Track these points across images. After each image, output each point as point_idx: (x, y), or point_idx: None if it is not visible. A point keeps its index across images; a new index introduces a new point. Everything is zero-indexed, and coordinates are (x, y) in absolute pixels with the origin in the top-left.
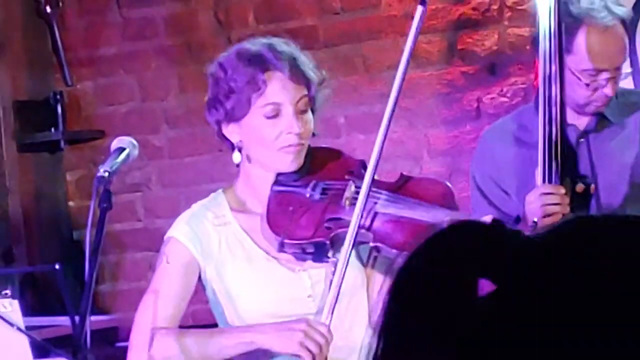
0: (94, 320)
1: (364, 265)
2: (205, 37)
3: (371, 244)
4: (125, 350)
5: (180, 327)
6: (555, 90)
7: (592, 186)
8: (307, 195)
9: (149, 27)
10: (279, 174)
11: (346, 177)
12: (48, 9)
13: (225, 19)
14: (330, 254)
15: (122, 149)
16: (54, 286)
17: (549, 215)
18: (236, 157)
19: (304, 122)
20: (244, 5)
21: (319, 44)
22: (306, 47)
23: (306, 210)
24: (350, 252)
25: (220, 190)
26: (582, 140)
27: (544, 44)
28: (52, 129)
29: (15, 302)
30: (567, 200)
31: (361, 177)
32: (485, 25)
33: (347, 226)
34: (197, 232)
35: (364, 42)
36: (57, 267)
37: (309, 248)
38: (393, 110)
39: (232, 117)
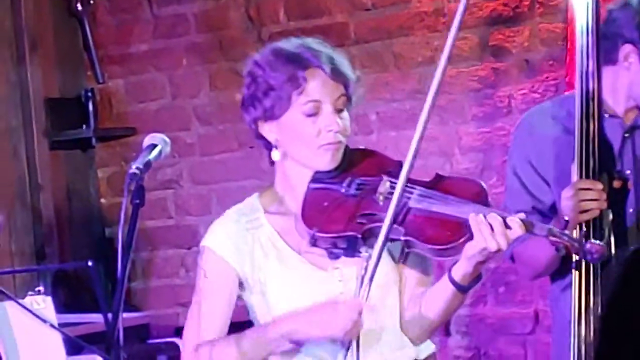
0: (126, 317)
1: (396, 262)
2: (236, 34)
3: (402, 239)
4: (156, 346)
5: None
6: (592, 85)
7: (630, 182)
8: (342, 190)
9: (180, 24)
10: (316, 172)
11: (383, 176)
12: (79, 7)
13: (256, 15)
14: (362, 249)
15: (154, 146)
16: (86, 283)
17: (585, 211)
18: (275, 155)
19: (342, 120)
20: (275, 2)
21: (349, 41)
22: (337, 43)
23: (340, 205)
24: (384, 245)
25: (255, 195)
26: (627, 135)
27: (581, 40)
28: (84, 126)
29: (49, 299)
30: (604, 196)
31: (397, 177)
32: (517, 22)
33: (380, 221)
34: (231, 238)
35: (394, 39)
36: (90, 263)
37: (341, 243)
38: (432, 107)
39: (271, 115)
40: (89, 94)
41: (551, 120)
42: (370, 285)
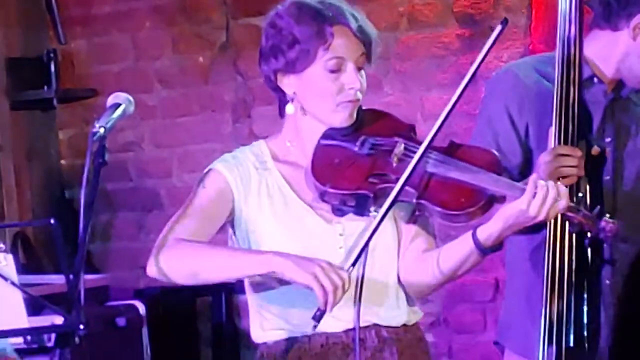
0: (85, 279)
1: (403, 222)
2: None
3: (414, 201)
4: (115, 309)
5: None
6: (573, 50)
7: (608, 150)
8: (355, 149)
9: None
10: (327, 129)
11: (395, 137)
12: None
13: None
14: (372, 209)
15: (118, 105)
16: (45, 245)
17: (563, 177)
18: (290, 108)
19: (362, 78)
20: None
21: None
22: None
23: (352, 163)
24: (390, 207)
25: (261, 140)
26: (610, 104)
27: (563, 4)
28: (45, 87)
29: (10, 257)
30: (582, 163)
31: (409, 139)
32: None
33: (392, 182)
34: (238, 167)
35: (358, 3)
36: (52, 221)
37: (350, 201)
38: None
39: (293, 68)
40: (51, 54)
41: (535, 74)
42: (360, 258)
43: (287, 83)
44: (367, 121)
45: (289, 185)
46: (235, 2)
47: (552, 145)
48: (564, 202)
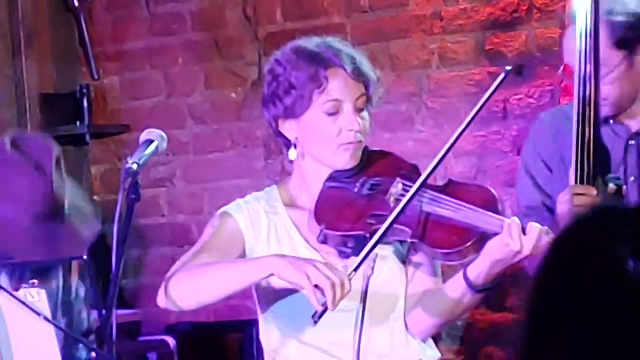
0: (118, 314)
1: (405, 263)
2: (233, 33)
3: (409, 240)
4: (147, 344)
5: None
6: (590, 90)
7: (625, 187)
8: (355, 190)
9: (177, 23)
10: (333, 172)
11: (397, 178)
12: (76, 3)
13: (253, 15)
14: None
15: (151, 141)
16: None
17: None
18: (292, 154)
19: (362, 120)
20: (272, 1)
21: (346, 43)
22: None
23: (351, 204)
24: (378, 241)
25: (274, 186)
26: (632, 142)
27: (580, 44)
28: (78, 123)
29: (43, 292)
30: (598, 202)
31: (411, 180)
32: (514, 27)
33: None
34: (250, 213)
35: (391, 41)
36: (85, 257)
37: (350, 242)
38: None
39: (292, 113)
40: (84, 90)
41: (566, 122)
42: (367, 283)
43: (289, 128)
44: (371, 162)
45: (297, 230)
46: (268, 39)
47: (571, 184)
48: (547, 238)
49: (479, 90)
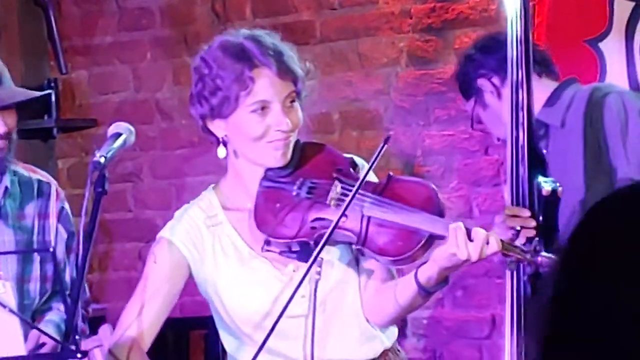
0: None
1: (356, 263)
2: (202, 29)
3: (354, 247)
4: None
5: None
6: (522, 95)
7: (560, 189)
8: (294, 193)
9: (145, 17)
10: (267, 169)
11: (334, 175)
12: None
13: (222, 11)
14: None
15: (119, 134)
16: None
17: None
18: (221, 151)
19: (291, 117)
20: None
21: (315, 39)
22: (303, 42)
23: (292, 209)
24: (319, 253)
25: (211, 187)
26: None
27: (511, 50)
28: (45, 117)
29: (8, 284)
30: (531, 223)
31: (349, 176)
32: (483, 25)
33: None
34: (190, 233)
35: (360, 39)
36: (51, 249)
37: (295, 246)
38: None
39: (219, 113)
40: (52, 84)
41: None
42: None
43: (216, 126)
44: (305, 157)
45: (240, 237)
46: None
47: (507, 203)
48: (494, 242)
49: (447, 89)
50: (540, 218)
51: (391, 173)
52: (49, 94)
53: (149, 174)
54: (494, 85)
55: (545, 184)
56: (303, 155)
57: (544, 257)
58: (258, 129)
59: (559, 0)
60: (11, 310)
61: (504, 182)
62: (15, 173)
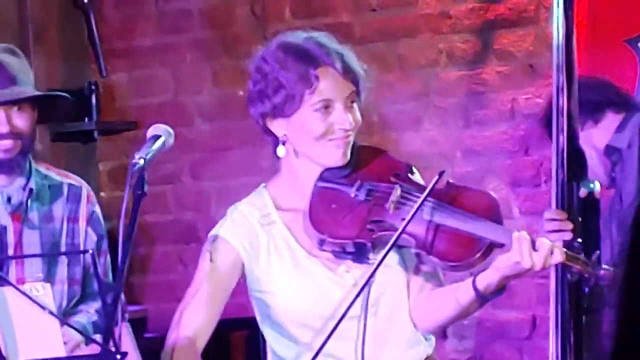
0: None
1: (406, 267)
2: (241, 31)
3: (413, 250)
4: (153, 340)
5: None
6: (562, 100)
7: (597, 192)
8: (352, 195)
9: (185, 20)
10: (324, 170)
11: (392, 179)
12: (85, 0)
13: (262, 13)
14: (371, 256)
15: (157, 137)
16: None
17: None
18: (281, 151)
19: (352, 116)
20: (281, 0)
21: (354, 41)
22: (341, 43)
23: (350, 210)
24: (385, 256)
25: (262, 186)
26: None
27: (556, 55)
28: (86, 119)
29: (48, 286)
30: (568, 225)
31: (407, 181)
32: (522, 26)
33: (390, 229)
34: (245, 232)
35: (399, 40)
36: (90, 252)
37: (350, 247)
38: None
39: (281, 112)
40: (92, 87)
41: None
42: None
43: (277, 126)
44: (362, 161)
45: (293, 237)
46: (275, 36)
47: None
48: (559, 253)
49: (486, 90)
50: (580, 220)
51: (446, 173)
52: (60, 96)
53: (189, 176)
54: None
55: (583, 187)
56: (360, 158)
57: (605, 269)
58: (321, 127)
59: (599, 0)
60: (51, 312)
61: (544, 183)
62: (46, 177)
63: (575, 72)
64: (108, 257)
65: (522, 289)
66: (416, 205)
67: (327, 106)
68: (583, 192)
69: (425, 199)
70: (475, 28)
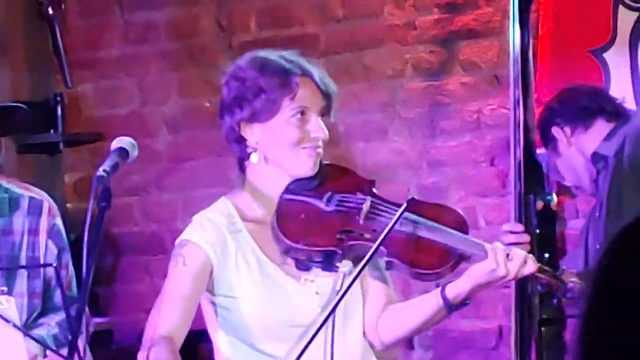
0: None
1: (363, 278)
2: (207, 42)
3: (385, 259)
4: (120, 352)
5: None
6: (518, 113)
7: (553, 204)
8: (322, 205)
9: (151, 31)
10: (290, 183)
11: (361, 191)
12: (50, 11)
13: (227, 24)
14: (338, 264)
15: (121, 149)
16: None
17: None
18: (254, 157)
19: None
20: (246, 11)
21: (320, 52)
22: (308, 54)
23: (320, 220)
24: (362, 269)
25: (224, 199)
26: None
27: (512, 69)
28: (52, 131)
29: (12, 299)
30: (524, 238)
31: (372, 195)
32: (487, 37)
33: (360, 239)
34: (216, 237)
35: (365, 51)
36: (54, 264)
37: (317, 256)
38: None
39: (259, 117)
40: (58, 98)
41: None
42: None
43: (251, 132)
44: (329, 176)
45: (259, 247)
46: (242, 47)
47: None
48: (532, 263)
49: (452, 100)
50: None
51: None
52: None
53: (155, 188)
54: (565, 134)
55: (540, 199)
56: (326, 173)
57: (573, 282)
58: (297, 134)
59: (564, 11)
60: (15, 325)
61: (509, 194)
62: (6, 190)
63: (532, 84)
64: (71, 269)
65: (488, 300)
66: (386, 230)
67: (303, 114)
68: (540, 204)
69: (393, 226)
70: (440, 39)
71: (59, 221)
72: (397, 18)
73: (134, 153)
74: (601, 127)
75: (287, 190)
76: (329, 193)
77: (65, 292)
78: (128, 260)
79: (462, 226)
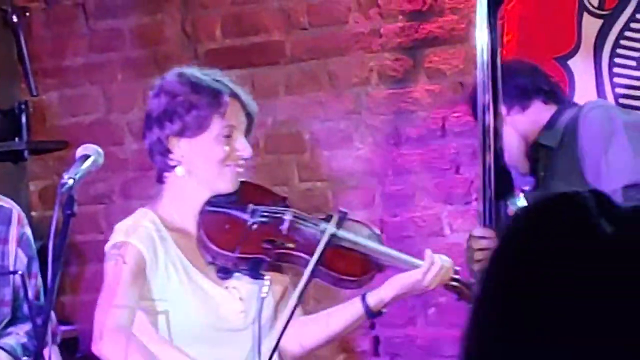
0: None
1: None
2: (172, 49)
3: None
4: (86, 359)
5: None
6: (488, 118)
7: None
8: (246, 216)
9: (116, 39)
10: (211, 198)
11: (289, 209)
12: (15, 19)
13: (192, 32)
14: (263, 272)
15: (87, 156)
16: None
17: (478, 261)
18: (180, 170)
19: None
20: (212, 18)
21: (285, 59)
22: (273, 62)
23: (244, 230)
24: (307, 283)
25: (144, 208)
26: None
27: (480, 74)
28: (16, 139)
29: None
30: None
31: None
32: (452, 44)
33: (283, 248)
34: (150, 241)
35: (330, 58)
36: (20, 272)
37: (244, 264)
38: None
39: (188, 132)
40: (22, 106)
41: None
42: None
43: (178, 146)
44: (247, 191)
45: (184, 254)
46: (207, 55)
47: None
48: (448, 274)
49: (417, 108)
50: None
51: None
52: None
53: (120, 196)
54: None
55: (511, 204)
56: (244, 189)
57: None
58: (224, 152)
59: (529, 18)
60: None
61: (474, 201)
62: None
63: (500, 90)
64: (39, 278)
65: (454, 307)
66: (315, 257)
67: (230, 133)
68: (511, 209)
69: (323, 251)
70: (405, 46)
71: (28, 230)
72: (362, 26)
73: (100, 160)
74: (538, 109)
75: (210, 203)
76: (252, 205)
77: (31, 301)
78: (93, 269)
79: (379, 239)
